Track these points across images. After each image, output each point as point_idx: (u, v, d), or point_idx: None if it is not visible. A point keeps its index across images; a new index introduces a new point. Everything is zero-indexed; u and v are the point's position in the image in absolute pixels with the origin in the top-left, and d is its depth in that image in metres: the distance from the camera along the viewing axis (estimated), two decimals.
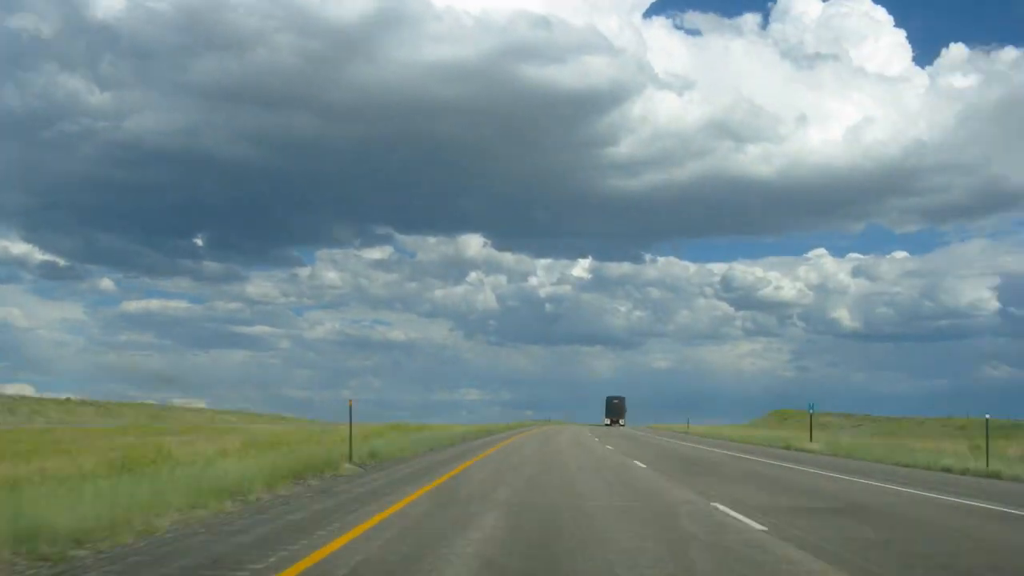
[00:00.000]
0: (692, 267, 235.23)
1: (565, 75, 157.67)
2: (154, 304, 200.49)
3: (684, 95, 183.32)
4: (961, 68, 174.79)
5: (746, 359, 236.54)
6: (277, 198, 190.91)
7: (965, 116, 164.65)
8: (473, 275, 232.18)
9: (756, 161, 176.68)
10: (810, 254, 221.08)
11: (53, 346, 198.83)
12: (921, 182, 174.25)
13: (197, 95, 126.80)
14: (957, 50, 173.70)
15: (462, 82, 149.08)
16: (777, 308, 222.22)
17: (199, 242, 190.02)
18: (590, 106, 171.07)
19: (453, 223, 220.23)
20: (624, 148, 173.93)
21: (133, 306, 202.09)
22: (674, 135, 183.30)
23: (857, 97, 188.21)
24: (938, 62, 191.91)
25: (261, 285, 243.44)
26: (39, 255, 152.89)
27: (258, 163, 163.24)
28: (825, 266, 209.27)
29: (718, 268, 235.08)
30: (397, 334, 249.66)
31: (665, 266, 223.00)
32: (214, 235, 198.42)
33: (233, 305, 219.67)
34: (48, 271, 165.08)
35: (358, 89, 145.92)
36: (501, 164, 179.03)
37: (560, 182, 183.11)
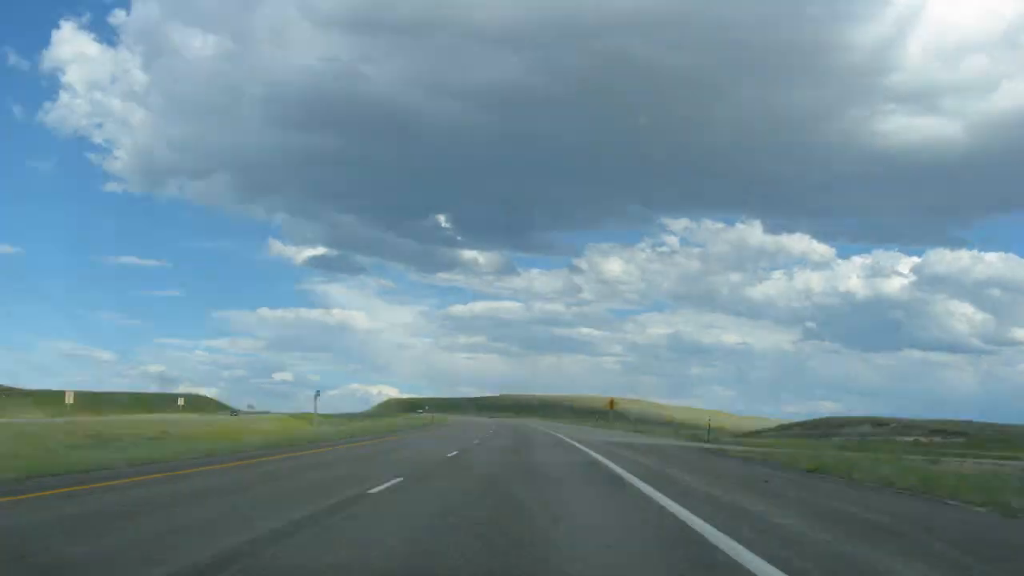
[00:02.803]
0: None
1: None
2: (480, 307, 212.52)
3: None
4: None
5: None
6: (515, 167, 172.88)
7: None
8: (778, 273, 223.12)
9: None
10: None
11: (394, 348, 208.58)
12: None
13: None
14: None
15: None
16: None
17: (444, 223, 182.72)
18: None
19: (707, 198, 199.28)
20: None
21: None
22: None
23: None
24: None
25: (538, 279, 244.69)
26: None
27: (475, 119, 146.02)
28: None
29: None
30: (731, 337, 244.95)
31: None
32: (456, 214, 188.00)
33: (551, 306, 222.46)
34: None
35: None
36: (732, 106, 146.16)
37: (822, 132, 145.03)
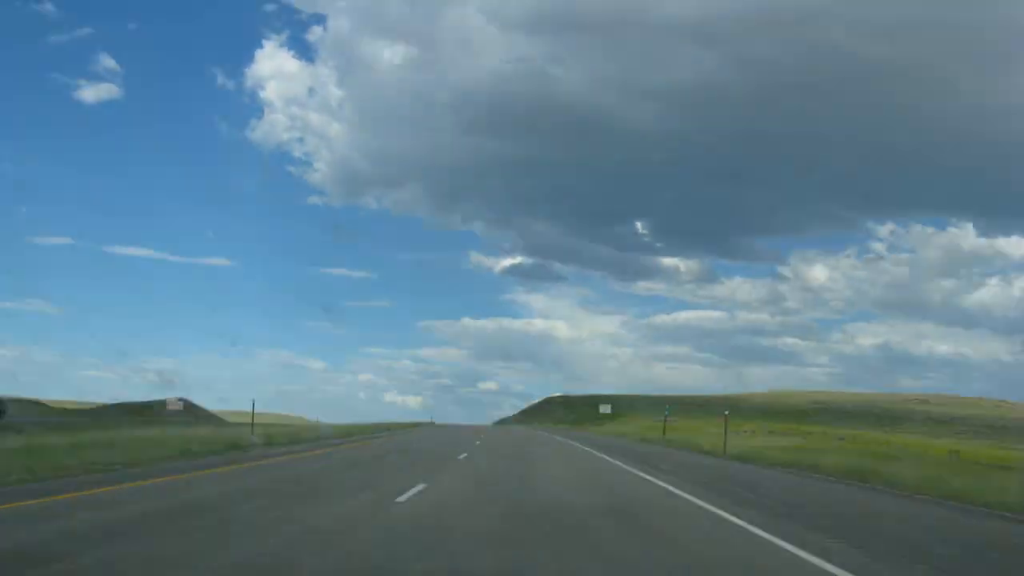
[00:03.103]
0: None
1: None
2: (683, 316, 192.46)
3: None
4: None
5: None
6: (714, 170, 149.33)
7: None
8: (994, 279, 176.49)
9: None
10: None
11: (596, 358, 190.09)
12: None
13: None
14: None
15: None
16: None
17: (641, 229, 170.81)
18: None
19: (916, 200, 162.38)
20: None
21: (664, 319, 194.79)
22: None
23: None
24: None
25: (740, 287, 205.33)
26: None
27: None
28: None
29: None
30: (943, 348, 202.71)
31: None
32: (654, 220, 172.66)
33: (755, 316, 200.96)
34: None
35: None
36: (942, 97, 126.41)
37: None
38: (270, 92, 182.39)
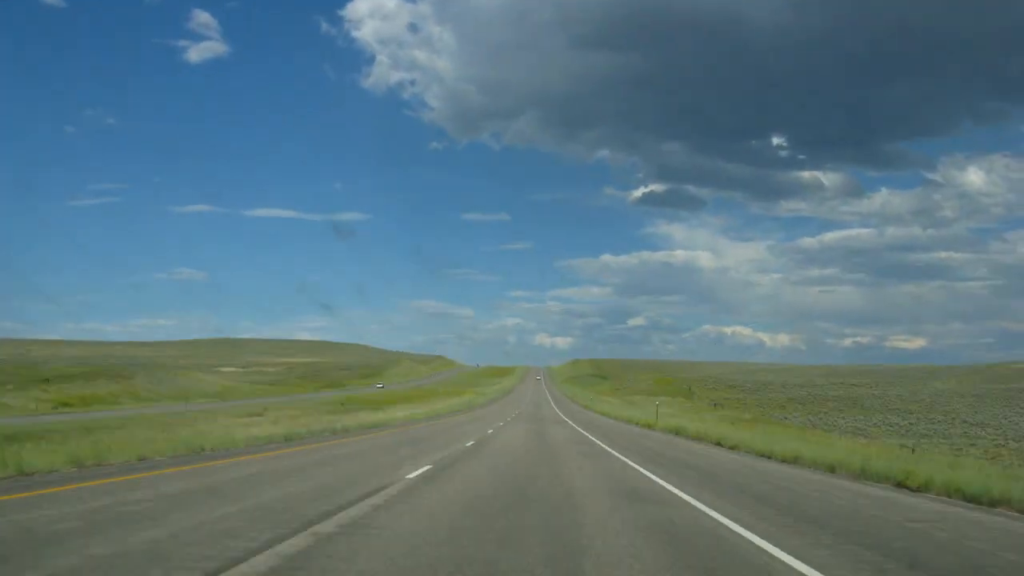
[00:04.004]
0: None
1: None
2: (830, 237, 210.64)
3: None
4: None
5: None
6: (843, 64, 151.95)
7: None
8: None
9: None
10: None
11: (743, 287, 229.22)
12: None
13: None
14: None
15: None
16: None
17: (779, 142, 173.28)
18: None
19: None
20: None
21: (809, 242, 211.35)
22: None
23: None
24: None
25: (889, 200, 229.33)
26: None
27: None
28: None
29: None
30: None
31: None
32: (791, 131, 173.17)
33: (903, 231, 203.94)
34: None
35: None
36: None
37: None
38: (367, 32, 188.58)
